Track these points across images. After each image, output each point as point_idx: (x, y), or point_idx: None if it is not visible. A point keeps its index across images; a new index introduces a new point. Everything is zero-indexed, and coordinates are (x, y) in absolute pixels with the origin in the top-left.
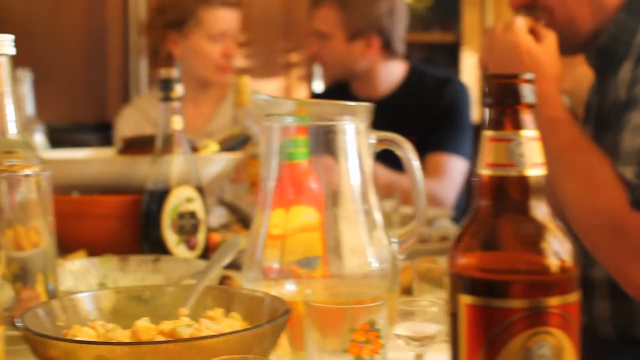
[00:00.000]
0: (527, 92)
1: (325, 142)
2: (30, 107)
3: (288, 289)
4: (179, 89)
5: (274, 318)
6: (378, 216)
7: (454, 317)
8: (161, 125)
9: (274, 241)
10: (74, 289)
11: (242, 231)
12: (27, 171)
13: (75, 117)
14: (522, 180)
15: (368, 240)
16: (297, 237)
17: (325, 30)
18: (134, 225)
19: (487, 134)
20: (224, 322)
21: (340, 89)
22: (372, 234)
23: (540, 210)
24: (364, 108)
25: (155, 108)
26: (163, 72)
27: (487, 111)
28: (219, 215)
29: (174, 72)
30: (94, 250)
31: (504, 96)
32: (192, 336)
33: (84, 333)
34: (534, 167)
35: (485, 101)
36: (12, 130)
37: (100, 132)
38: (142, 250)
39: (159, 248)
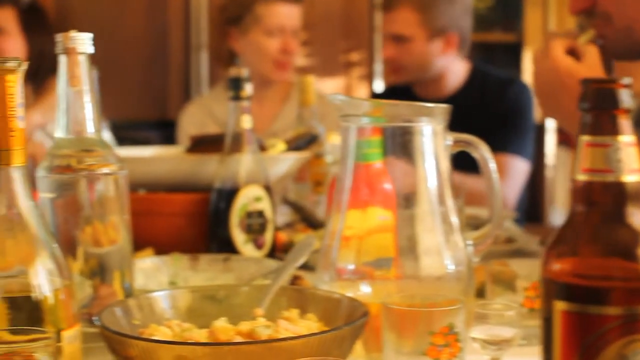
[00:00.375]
0: (625, 97)
1: (402, 143)
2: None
3: (362, 291)
4: (248, 88)
5: (354, 320)
6: (454, 218)
7: (547, 322)
8: (230, 124)
9: (347, 242)
10: (145, 287)
11: (306, 230)
12: (106, 169)
13: (136, 115)
14: (620, 186)
15: (444, 243)
16: (370, 238)
17: (405, 33)
18: (202, 224)
19: (585, 139)
20: (300, 324)
21: (401, 90)
22: (449, 236)
23: (637, 216)
24: (441, 109)
25: (219, 106)
26: (233, 71)
27: (584, 116)
28: (282, 214)
29: (244, 71)
30: (162, 248)
31: (601, 101)
32: (270, 337)
33: (161, 332)
34: (632, 172)
35: (582, 106)
36: (90, 129)
37: (161, 129)
38: (209, 248)
39: (227, 247)
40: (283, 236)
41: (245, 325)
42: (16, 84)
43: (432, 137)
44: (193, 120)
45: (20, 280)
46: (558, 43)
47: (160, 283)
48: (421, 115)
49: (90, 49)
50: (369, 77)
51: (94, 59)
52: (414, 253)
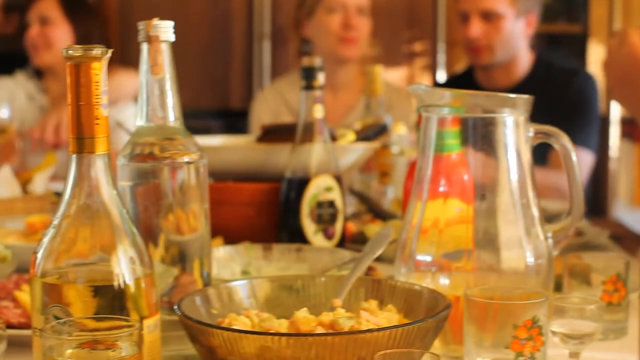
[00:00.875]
0: None
1: (483, 134)
2: None
3: (440, 282)
4: (320, 78)
5: (438, 312)
6: (535, 211)
7: None
8: (302, 113)
9: (425, 233)
10: (218, 276)
11: (373, 221)
12: (187, 158)
13: (197, 103)
14: None
15: (525, 235)
16: (448, 230)
17: (497, 9)
18: (271, 213)
19: None
20: (380, 315)
21: (464, 79)
22: (529, 228)
23: None
24: (523, 100)
25: (293, 93)
26: (305, 60)
27: None
28: (349, 205)
29: (317, 60)
30: (231, 237)
31: None
32: (352, 328)
33: (240, 322)
34: None
35: None
36: (171, 117)
37: (221, 119)
38: (279, 238)
39: (297, 236)
40: (352, 226)
41: (326, 316)
42: (101, 72)
43: (514, 129)
44: (266, 106)
45: (103, 268)
46: (635, 31)
47: (233, 272)
48: (503, 106)
49: (172, 37)
50: (432, 68)
51: None
52: (493, 245)
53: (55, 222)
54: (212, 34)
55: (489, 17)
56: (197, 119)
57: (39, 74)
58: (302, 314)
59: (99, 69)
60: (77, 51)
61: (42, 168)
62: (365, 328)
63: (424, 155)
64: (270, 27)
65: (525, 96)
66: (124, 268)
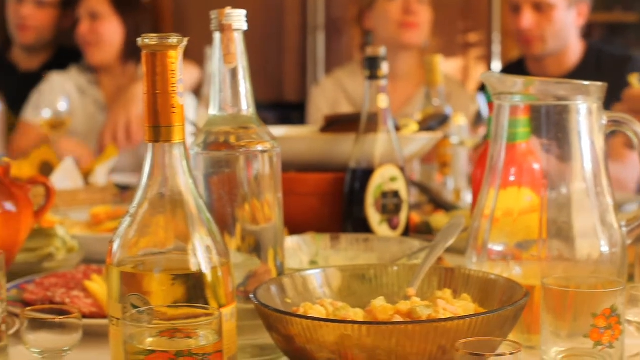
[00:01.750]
0: None
1: (556, 122)
2: None
3: (512, 271)
4: (384, 67)
5: (516, 301)
6: (609, 199)
7: None
8: (366, 103)
9: (496, 223)
10: (286, 266)
11: (435, 211)
12: (262, 147)
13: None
14: None
15: (599, 224)
16: (520, 219)
17: (549, 0)
18: (335, 204)
19: None
20: (456, 304)
21: (516, 69)
22: (604, 217)
23: None
24: (597, 88)
25: (352, 83)
26: (369, 50)
27: None
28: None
29: (381, 50)
30: (295, 227)
31: None
32: (430, 317)
33: (316, 311)
34: None
35: None
36: (245, 106)
37: (276, 111)
38: (343, 228)
39: (362, 227)
40: (416, 217)
41: (404, 305)
42: (177, 60)
43: (587, 116)
44: (325, 96)
45: (179, 257)
46: None
47: (301, 262)
48: (576, 93)
49: (245, 26)
50: (487, 58)
51: (211, 38)
52: (567, 234)
53: (132, 210)
54: (266, 26)
55: (540, 7)
56: None
57: (91, 67)
58: (379, 302)
59: (175, 58)
60: (153, 40)
61: (103, 160)
62: (442, 317)
63: (496, 143)
64: (324, 18)
65: (599, 83)
66: (200, 257)
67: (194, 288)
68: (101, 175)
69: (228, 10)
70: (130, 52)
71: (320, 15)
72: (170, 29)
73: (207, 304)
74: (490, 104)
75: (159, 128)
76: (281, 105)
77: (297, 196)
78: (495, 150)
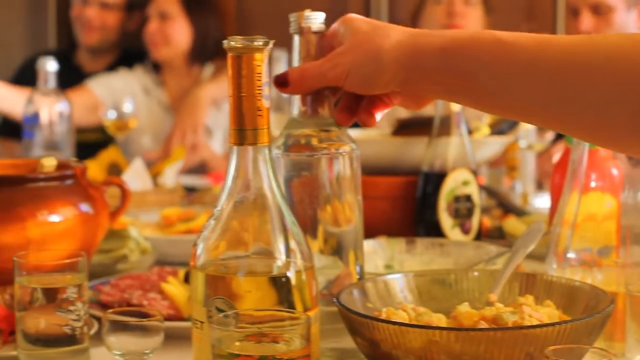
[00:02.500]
0: None
1: None
2: None
3: (594, 278)
4: None
5: (603, 308)
6: None
7: None
8: (439, 106)
9: (578, 228)
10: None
11: (503, 216)
12: (342, 149)
13: None
14: None
15: None
16: (600, 225)
17: (607, 1)
18: (407, 207)
19: None
20: (540, 310)
21: None
22: None
23: None
24: None
25: None
26: None
27: None
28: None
29: None
30: (365, 231)
31: None
32: (516, 324)
33: (398, 316)
34: None
35: None
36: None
37: None
38: (415, 232)
39: (434, 231)
40: (487, 221)
41: (489, 311)
42: (263, 63)
43: None
44: None
45: (264, 261)
46: None
47: (377, 266)
48: None
49: (324, 28)
50: None
51: (280, 42)
52: None
53: (216, 213)
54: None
55: (599, 10)
56: None
57: (156, 67)
58: (464, 308)
59: (261, 60)
60: (238, 42)
61: (172, 161)
62: (527, 323)
63: (577, 149)
64: (387, 20)
65: None
66: (285, 260)
67: (279, 292)
68: (170, 177)
69: (307, 12)
70: (197, 53)
71: (384, 17)
72: (234, 30)
73: (291, 307)
74: None
75: (244, 131)
76: None
77: (368, 199)
78: (577, 155)
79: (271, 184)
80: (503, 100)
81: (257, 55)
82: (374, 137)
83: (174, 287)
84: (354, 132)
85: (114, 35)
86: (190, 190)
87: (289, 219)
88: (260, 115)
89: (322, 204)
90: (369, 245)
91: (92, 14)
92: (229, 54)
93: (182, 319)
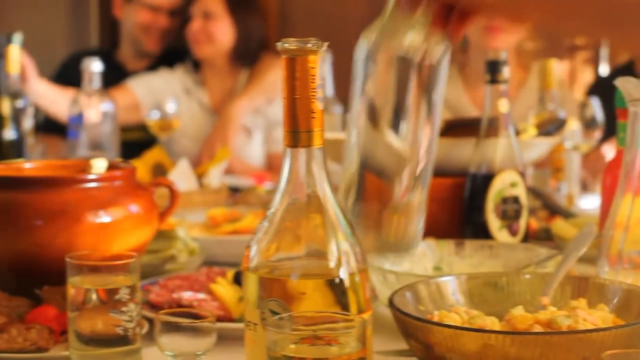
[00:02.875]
0: None
1: None
2: (329, 88)
3: None
4: (505, 71)
5: None
6: None
7: None
8: (487, 107)
9: (631, 230)
10: (410, 271)
11: (549, 218)
12: None
13: None
14: None
15: None
16: None
17: None
18: (454, 209)
19: None
20: (594, 314)
21: (625, 72)
22: None
23: None
24: None
25: (451, 89)
26: (491, 54)
27: None
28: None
29: (502, 54)
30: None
31: None
32: (570, 327)
33: (451, 319)
34: None
35: None
36: None
37: None
38: (462, 234)
39: (481, 232)
40: (534, 223)
41: (543, 315)
42: (317, 65)
43: None
44: None
45: (318, 263)
46: None
47: (426, 268)
48: None
49: None
50: (595, 61)
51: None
52: None
53: (269, 215)
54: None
55: None
56: None
57: (196, 67)
58: (518, 311)
59: (315, 62)
60: (292, 44)
61: (217, 161)
62: (582, 327)
63: (630, 150)
64: None
65: None
66: (339, 262)
67: (333, 294)
68: (215, 177)
69: None
70: (239, 53)
71: None
72: (275, 30)
73: (345, 310)
74: (620, 110)
75: (298, 133)
76: None
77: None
78: (630, 157)
79: (324, 186)
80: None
81: (311, 58)
82: None
83: (223, 288)
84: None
85: (171, 39)
86: (234, 190)
87: (342, 220)
88: (314, 118)
89: None
90: (419, 247)
91: (163, 23)
92: (283, 56)
93: (231, 320)
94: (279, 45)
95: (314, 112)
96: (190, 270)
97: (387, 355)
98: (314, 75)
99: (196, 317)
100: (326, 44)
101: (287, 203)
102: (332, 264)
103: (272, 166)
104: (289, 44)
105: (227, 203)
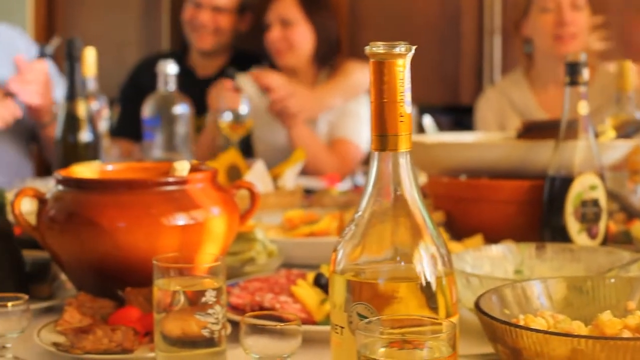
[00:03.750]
0: None
1: None
2: None
3: None
4: (585, 73)
5: None
6: None
7: None
8: (566, 109)
9: None
10: (491, 274)
11: (628, 221)
12: None
13: (427, 100)
14: None
15: None
16: None
17: None
18: (532, 212)
19: None
20: None
21: None
22: None
23: None
24: None
25: (517, 92)
26: (570, 56)
27: None
28: None
29: (581, 56)
30: (490, 235)
31: None
32: None
33: (537, 323)
34: None
35: None
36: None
37: (450, 114)
38: (541, 237)
39: (560, 235)
40: (613, 226)
41: (632, 319)
42: (405, 69)
43: None
44: (490, 107)
45: (405, 266)
46: None
47: (506, 272)
48: None
49: None
50: None
51: (386, 39)
52: None
53: (356, 218)
54: (442, 29)
55: None
56: (424, 114)
57: (273, 68)
58: (607, 316)
59: (403, 66)
60: (380, 48)
61: (292, 163)
62: None
63: None
64: (500, 21)
65: None
66: (426, 266)
67: (421, 298)
68: (290, 179)
69: None
70: (321, 56)
71: (497, 17)
72: (346, 29)
73: (432, 314)
74: None
75: (386, 137)
76: (456, 108)
77: (493, 203)
78: None
79: (412, 190)
80: None
81: (399, 61)
82: (498, 141)
83: (304, 291)
84: (475, 136)
85: (227, 39)
86: (307, 192)
87: (429, 223)
88: (402, 122)
89: None
90: (498, 250)
91: (206, 18)
92: (371, 60)
93: (313, 322)
94: (367, 49)
95: (402, 116)
96: (268, 272)
97: (469, 359)
98: (402, 79)
99: (280, 319)
100: (414, 47)
101: (374, 206)
102: (420, 267)
103: (334, 151)
104: (377, 47)
105: (301, 205)
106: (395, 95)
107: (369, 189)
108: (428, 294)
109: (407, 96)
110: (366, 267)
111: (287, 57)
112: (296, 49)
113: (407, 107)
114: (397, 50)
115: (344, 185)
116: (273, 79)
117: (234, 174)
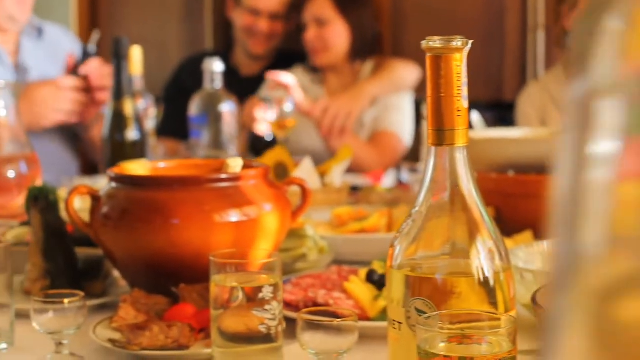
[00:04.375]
0: None
1: None
2: None
3: None
4: None
5: None
6: None
7: None
8: None
9: None
10: (545, 269)
11: None
12: None
13: (473, 96)
14: None
15: None
16: None
17: None
18: None
19: None
20: None
21: None
22: None
23: None
24: None
25: (559, 87)
26: None
27: None
28: None
29: None
30: (540, 231)
31: None
32: None
33: None
34: None
35: None
36: None
37: (493, 110)
38: None
39: None
40: None
41: None
42: (462, 63)
43: None
44: (532, 103)
45: (462, 261)
46: None
47: None
48: None
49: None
50: None
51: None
52: None
53: (413, 214)
54: (486, 25)
55: None
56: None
57: (317, 68)
58: None
59: (460, 61)
60: (437, 43)
61: (339, 160)
62: None
63: None
64: (544, 17)
65: None
66: (484, 261)
67: (480, 293)
68: (337, 176)
69: None
70: (357, 51)
71: (541, 13)
72: (389, 25)
73: (491, 309)
74: None
75: (443, 131)
76: (499, 104)
77: (541, 199)
78: None
79: (469, 185)
80: None
81: (457, 56)
82: (546, 136)
83: (357, 287)
84: (523, 131)
85: (278, 42)
86: (353, 189)
87: (487, 218)
88: (459, 116)
89: None
90: (544, 246)
91: (264, 26)
92: (428, 55)
93: (366, 318)
94: (423, 43)
95: (459, 111)
96: (320, 268)
97: (525, 354)
98: (459, 74)
99: (335, 315)
100: (471, 41)
101: (431, 201)
102: (477, 262)
103: (378, 144)
104: (433, 42)
105: (348, 202)
106: (452, 90)
107: (426, 184)
108: (486, 289)
109: (464, 90)
110: (423, 262)
111: (323, 56)
112: (331, 48)
113: (464, 101)
114: (454, 44)
115: (388, 182)
116: (301, 99)
117: (281, 171)
